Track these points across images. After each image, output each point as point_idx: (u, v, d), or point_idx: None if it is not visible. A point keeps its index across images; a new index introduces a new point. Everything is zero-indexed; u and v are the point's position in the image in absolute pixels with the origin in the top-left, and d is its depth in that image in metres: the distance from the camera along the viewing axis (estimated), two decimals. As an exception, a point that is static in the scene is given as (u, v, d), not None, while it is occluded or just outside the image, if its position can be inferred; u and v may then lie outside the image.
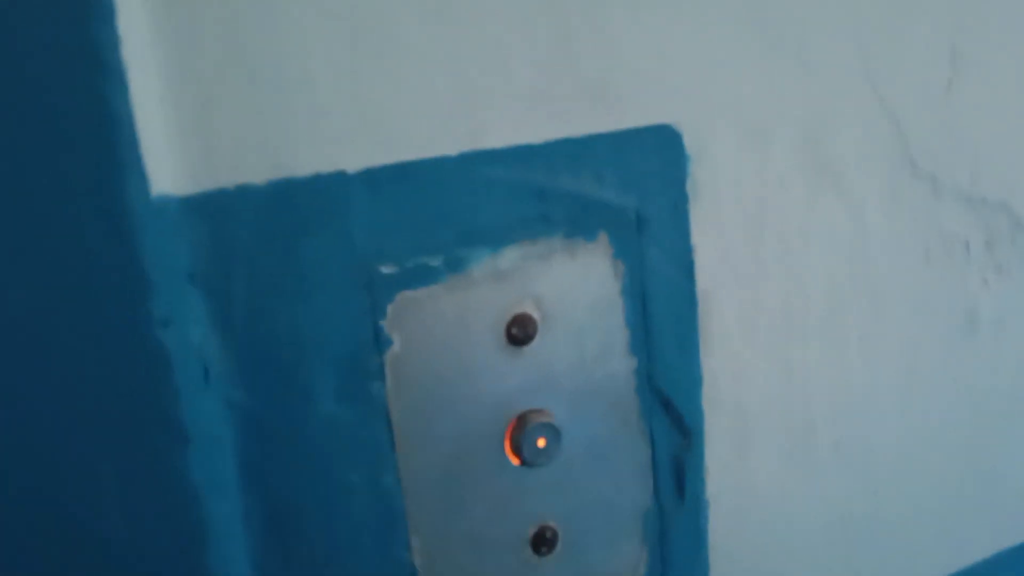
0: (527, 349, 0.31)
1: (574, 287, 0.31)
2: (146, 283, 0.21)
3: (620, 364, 0.33)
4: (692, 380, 0.35)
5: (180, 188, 0.23)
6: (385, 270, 0.28)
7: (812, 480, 0.38)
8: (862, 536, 0.40)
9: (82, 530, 0.21)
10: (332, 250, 0.26)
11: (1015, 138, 0.41)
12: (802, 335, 0.36)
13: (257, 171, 0.25)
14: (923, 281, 0.39)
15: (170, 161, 0.22)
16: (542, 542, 0.32)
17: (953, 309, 0.41)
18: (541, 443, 0.31)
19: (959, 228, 0.40)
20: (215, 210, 0.24)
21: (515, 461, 0.31)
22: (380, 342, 0.28)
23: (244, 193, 0.24)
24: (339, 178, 0.26)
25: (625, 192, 0.32)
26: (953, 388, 0.41)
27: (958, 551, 0.44)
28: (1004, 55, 0.39)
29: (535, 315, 0.31)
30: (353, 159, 0.26)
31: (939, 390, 0.40)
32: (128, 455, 0.21)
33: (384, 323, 0.28)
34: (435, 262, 0.28)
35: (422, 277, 0.28)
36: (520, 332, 0.30)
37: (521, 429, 0.31)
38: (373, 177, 0.27)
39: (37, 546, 0.22)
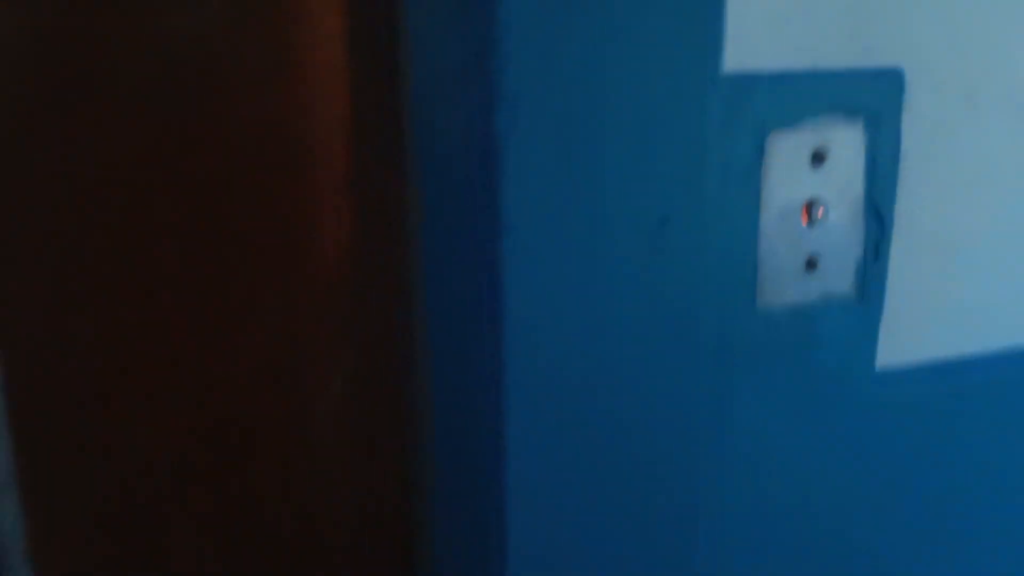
0: (820, 167, 0.66)
1: (845, 141, 0.66)
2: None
3: (859, 186, 0.67)
4: (891, 200, 0.69)
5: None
6: (776, 124, 0.63)
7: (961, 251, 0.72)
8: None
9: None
10: (769, 110, 0.62)
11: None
12: (956, 189, 0.70)
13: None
14: None
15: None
16: (810, 264, 0.67)
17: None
18: (819, 213, 0.66)
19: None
20: (749, 87, 0.59)
21: (805, 221, 0.66)
22: (762, 154, 0.63)
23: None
24: (808, 75, 0.61)
25: (875, 99, 0.66)
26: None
27: None
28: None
29: (827, 151, 0.65)
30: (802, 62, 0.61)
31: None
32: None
33: (766, 142, 0.63)
34: (790, 120, 0.63)
35: (785, 124, 0.63)
36: (819, 157, 0.65)
37: (812, 205, 0.66)
38: (790, 75, 0.62)
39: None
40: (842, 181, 0.67)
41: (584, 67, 0.55)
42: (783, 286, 0.67)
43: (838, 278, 0.69)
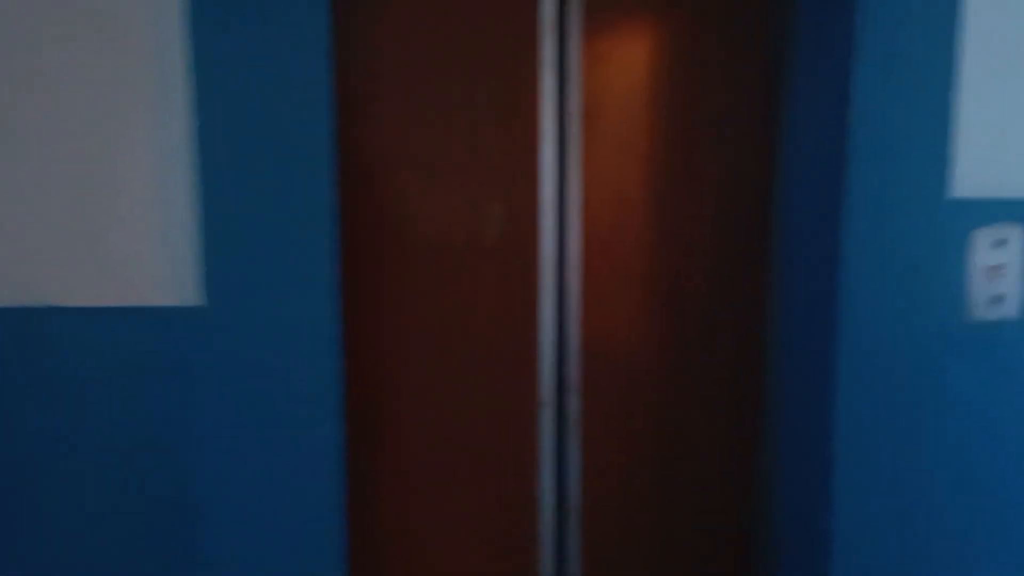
0: (1003, 247, 1.26)
1: (1018, 235, 1.26)
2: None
3: (1021, 258, 1.27)
4: (1043, 270, 1.27)
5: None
6: (978, 224, 1.24)
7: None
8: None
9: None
10: (976, 218, 1.24)
11: None
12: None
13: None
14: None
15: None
16: (996, 299, 1.26)
17: None
18: (1002, 272, 1.26)
19: None
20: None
21: (995, 275, 1.26)
22: (969, 239, 1.24)
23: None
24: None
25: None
26: None
27: None
28: None
29: (1007, 239, 1.26)
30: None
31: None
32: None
33: (972, 233, 1.24)
34: (986, 223, 1.25)
35: (983, 224, 1.24)
36: (1001, 242, 1.26)
37: (997, 267, 1.26)
38: (988, 201, 1.24)
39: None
40: (1015, 255, 1.26)
41: (884, 193, 1.19)
42: (982, 310, 1.26)
43: (1012, 308, 1.27)
